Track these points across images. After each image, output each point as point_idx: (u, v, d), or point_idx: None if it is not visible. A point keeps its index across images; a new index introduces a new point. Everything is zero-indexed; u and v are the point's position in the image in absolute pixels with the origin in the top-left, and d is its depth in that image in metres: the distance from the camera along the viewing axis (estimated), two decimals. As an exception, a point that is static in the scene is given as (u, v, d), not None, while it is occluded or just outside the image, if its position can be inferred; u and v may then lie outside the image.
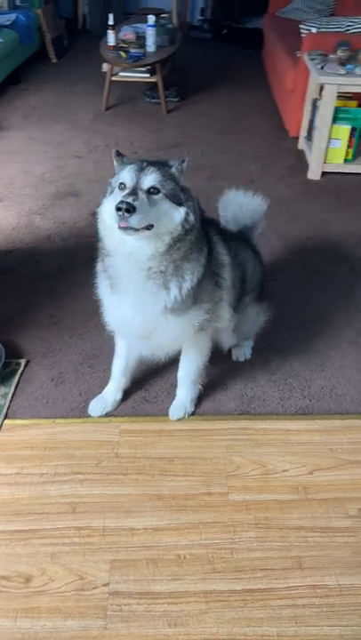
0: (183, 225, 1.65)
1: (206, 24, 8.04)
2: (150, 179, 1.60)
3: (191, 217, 1.66)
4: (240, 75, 6.44)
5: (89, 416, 2.25)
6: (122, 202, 1.52)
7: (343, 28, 4.48)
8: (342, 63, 3.94)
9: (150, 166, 1.62)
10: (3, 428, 2.18)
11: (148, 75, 5.17)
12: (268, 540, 1.83)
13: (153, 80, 5.17)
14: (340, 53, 3.94)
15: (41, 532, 1.84)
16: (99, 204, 1.73)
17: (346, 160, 4.20)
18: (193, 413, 2.27)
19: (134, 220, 1.53)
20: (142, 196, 1.57)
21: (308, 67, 4.26)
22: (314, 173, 4.21)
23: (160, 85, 5.12)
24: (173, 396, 2.31)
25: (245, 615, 1.63)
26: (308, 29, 4.50)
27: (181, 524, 1.88)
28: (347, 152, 4.16)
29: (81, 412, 2.27)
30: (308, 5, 6.35)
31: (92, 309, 2.23)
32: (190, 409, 2.28)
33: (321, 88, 4.35)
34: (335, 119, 4.00)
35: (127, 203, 1.51)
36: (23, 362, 2.47)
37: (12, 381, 2.37)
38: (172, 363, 2.30)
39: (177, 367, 2.25)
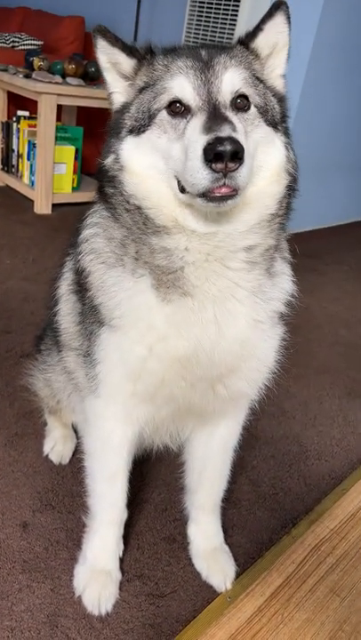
0: (287, 168, 0.92)
1: None
2: (232, 77, 0.85)
3: (292, 153, 0.95)
4: None
5: None
6: (219, 140, 0.75)
7: (8, 43, 3.78)
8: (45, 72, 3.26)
9: (222, 55, 0.87)
10: None
11: None
12: None
13: None
14: (39, 63, 3.24)
15: None
16: (106, 154, 0.93)
17: (73, 188, 3.52)
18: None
19: (244, 175, 0.79)
20: (234, 118, 0.82)
21: (-5, 80, 3.39)
22: (43, 207, 3.35)
23: None
24: (183, 552, 1.25)
25: None
26: (-28, 39, 3.60)
27: None
28: (73, 179, 3.48)
29: None
30: None
31: None
32: (230, 552, 1.26)
33: (9, 109, 3.57)
34: (55, 140, 3.27)
35: (232, 140, 0.75)
36: None
37: None
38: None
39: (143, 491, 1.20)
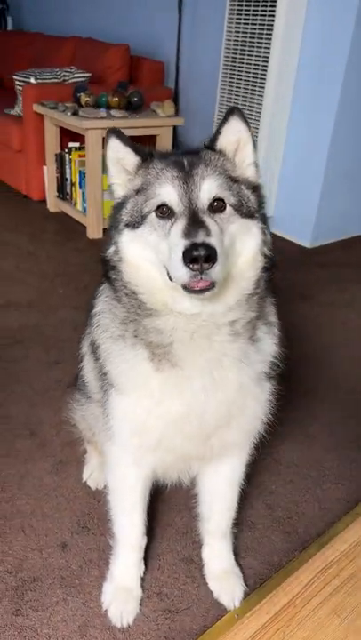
0: (263, 251, 1.05)
1: None
2: (209, 185, 0.99)
3: (268, 236, 1.07)
4: None
5: None
6: (194, 246, 0.90)
7: (59, 78, 4.05)
8: (91, 108, 3.50)
9: (199, 165, 1.01)
10: None
11: None
12: None
13: None
14: (85, 98, 3.48)
15: None
16: (108, 245, 1.08)
17: (122, 212, 3.73)
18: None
19: (218, 271, 0.93)
20: (209, 221, 0.96)
21: (47, 118, 3.66)
22: (94, 232, 3.61)
23: None
24: (199, 572, 1.42)
25: None
26: (26, 80, 3.90)
27: None
28: (121, 203, 3.70)
29: None
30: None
31: None
32: (240, 573, 1.42)
33: (62, 140, 3.84)
34: (102, 169, 3.50)
35: (205, 246, 0.90)
36: None
37: None
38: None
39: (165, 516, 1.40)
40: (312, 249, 3.72)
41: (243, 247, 1.02)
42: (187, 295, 0.96)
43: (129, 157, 1.07)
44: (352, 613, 1.36)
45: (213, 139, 1.05)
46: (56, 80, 4.04)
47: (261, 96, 3.51)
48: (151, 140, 3.69)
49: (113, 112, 3.46)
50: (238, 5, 3.47)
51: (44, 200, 4.07)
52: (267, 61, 3.40)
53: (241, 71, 3.59)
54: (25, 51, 5.23)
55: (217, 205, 0.99)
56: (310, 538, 1.56)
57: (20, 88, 3.88)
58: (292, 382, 2.25)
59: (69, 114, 3.40)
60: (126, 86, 3.85)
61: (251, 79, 3.54)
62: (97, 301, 1.19)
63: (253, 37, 3.42)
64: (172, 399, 1.09)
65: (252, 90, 3.56)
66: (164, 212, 0.99)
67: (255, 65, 3.47)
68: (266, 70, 3.42)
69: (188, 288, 0.93)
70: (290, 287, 3.12)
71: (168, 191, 0.98)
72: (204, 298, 0.98)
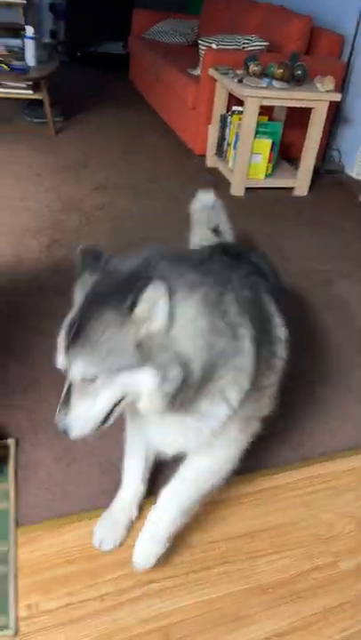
0: (161, 390, 1.06)
1: (60, 46, 7.65)
2: (78, 366, 1.07)
3: (175, 371, 1.04)
4: (115, 95, 6.17)
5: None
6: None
7: (240, 45, 4.45)
8: (257, 77, 3.87)
9: (75, 342, 1.07)
10: (19, 542, 1.55)
11: (30, 91, 4.60)
12: None
13: (37, 97, 4.61)
14: (253, 68, 3.86)
15: None
16: None
17: (266, 175, 4.13)
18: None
19: (77, 434, 1.14)
20: (76, 397, 1.13)
21: (219, 81, 4.13)
22: (237, 189, 4.06)
23: (47, 103, 4.60)
24: None
25: None
26: (208, 45, 4.38)
27: (307, 619, 1.47)
28: (267, 167, 4.09)
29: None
30: (173, 28, 6.35)
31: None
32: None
33: (229, 103, 4.27)
34: (255, 134, 3.90)
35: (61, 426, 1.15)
36: (12, 442, 1.83)
37: (7, 473, 1.72)
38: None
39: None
40: None
41: (135, 393, 1.08)
42: None
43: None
44: (319, 508, 1.77)
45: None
46: (236, 47, 4.45)
47: None
48: (306, 110, 3.98)
49: (275, 83, 3.80)
50: None
51: (203, 155, 4.60)
52: None
53: None
54: (223, 14, 5.67)
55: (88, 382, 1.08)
56: (312, 456, 1.96)
57: (203, 52, 4.37)
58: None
59: (236, 81, 3.83)
60: (297, 58, 4.12)
61: None
62: None
63: None
64: (139, 431, 1.49)
65: None
66: None
67: None
68: None
69: None
70: None
71: (60, 361, 1.12)
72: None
